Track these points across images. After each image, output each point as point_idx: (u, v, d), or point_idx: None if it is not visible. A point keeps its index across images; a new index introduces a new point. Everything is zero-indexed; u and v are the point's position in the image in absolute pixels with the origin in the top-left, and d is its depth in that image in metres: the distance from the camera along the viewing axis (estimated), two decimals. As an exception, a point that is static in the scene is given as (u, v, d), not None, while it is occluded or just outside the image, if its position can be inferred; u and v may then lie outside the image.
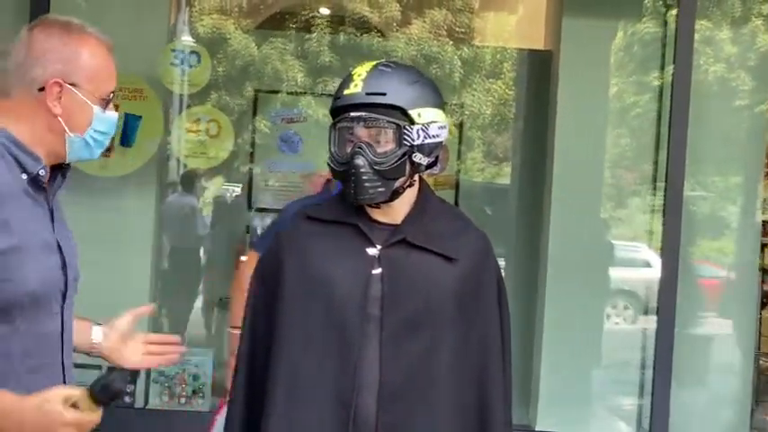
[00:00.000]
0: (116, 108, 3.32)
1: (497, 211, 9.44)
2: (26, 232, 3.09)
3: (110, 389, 2.88)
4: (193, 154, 9.24)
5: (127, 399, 8.57)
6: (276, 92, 9.75)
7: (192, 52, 8.96)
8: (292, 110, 9.56)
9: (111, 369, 3.02)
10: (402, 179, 3.38)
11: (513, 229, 9.68)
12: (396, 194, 3.42)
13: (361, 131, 3.37)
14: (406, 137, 3.29)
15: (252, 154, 9.59)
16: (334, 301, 3.46)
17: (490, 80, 10.09)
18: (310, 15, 10.01)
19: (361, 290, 3.44)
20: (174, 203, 9.59)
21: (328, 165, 3.48)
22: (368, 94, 3.35)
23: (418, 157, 3.36)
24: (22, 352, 3.10)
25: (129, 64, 7.87)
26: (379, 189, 3.36)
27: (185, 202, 9.60)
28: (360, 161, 3.35)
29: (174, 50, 8.91)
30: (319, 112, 9.34)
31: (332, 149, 3.46)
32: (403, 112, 3.32)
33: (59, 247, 3.20)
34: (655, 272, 8.42)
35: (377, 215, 3.51)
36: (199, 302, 9.55)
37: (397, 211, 3.48)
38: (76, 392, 2.96)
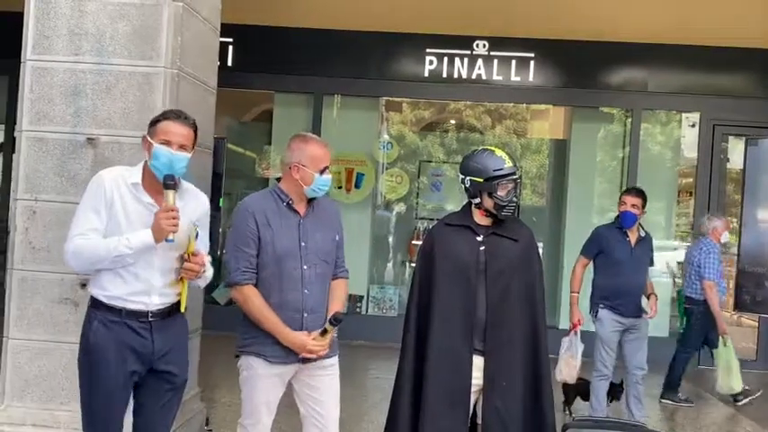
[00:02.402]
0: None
1: (537, 218, 9.93)
2: (278, 229, 3.34)
3: (337, 317, 3.29)
4: (389, 192, 10.00)
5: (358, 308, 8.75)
6: (429, 161, 10.29)
7: (389, 142, 9.86)
8: (438, 170, 10.13)
9: (335, 313, 3.33)
10: None
11: (546, 226, 9.94)
12: None
13: (512, 185, 3.57)
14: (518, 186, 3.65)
15: (417, 192, 10.21)
16: (462, 263, 3.60)
17: (534, 154, 10.46)
18: (446, 123, 10.60)
19: (475, 257, 3.59)
20: (380, 216, 10.10)
21: (495, 201, 3.51)
22: (514, 166, 3.62)
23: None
24: (277, 281, 3.33)
25: (360, 149, 9.37)
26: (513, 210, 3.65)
27: (385, 215, 10.16)
28: (518, 198, 3.65)
29: (379, 142, 9.78)
30: (451, 173, 9.73)
31: (497, 194, 3.52)
32: None
33: (299, 238, 3.36)
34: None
35: (481, 221, 3.64)
36: (390, 264, 9.94)
37: (492, 219, 3.64)
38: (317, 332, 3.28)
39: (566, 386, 6.01)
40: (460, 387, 3.51)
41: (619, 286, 5.54)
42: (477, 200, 3.59)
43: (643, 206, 5.61)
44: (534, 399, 3.58)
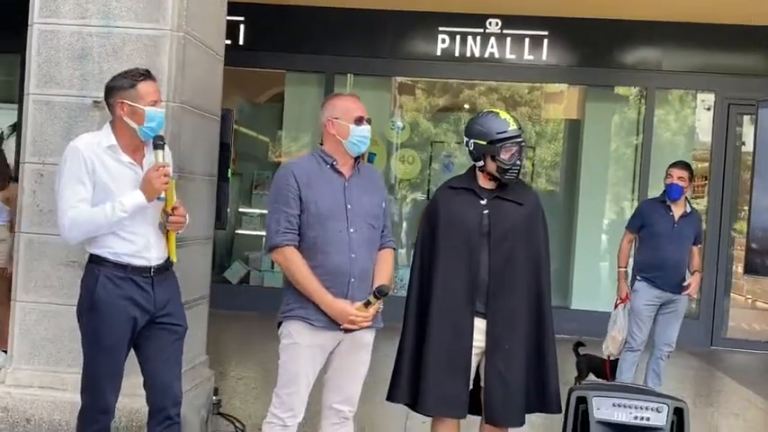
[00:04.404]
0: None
1: (550, 197, 9.89)
2: (322, 189, 3.26)
3: (382, 290, 3.20)
4: (402, 172, 10.07)
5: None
6: (441, 142, 10.25)
7: (401, 123, 9.94)
8: (450, 151, 10.14)
9: (380, 285, 3.25)
10: None
11: (559, 204, 9.94)
12: None
13: (517, 148, 3.49)
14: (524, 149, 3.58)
15: (429, 172, 10.16)
16: (465, 227, 3.56)
17: (547, 137, 10.38)
18: (458, 107, 10.36)
19: (478, 220, 3.55)
20: (391, 196, 9.89)
21: (498, 164, 3.46)
22: (519, 129, 3.57)
23: None
24: (322, 243, 3.24)
25: (373, 130, 8.96)
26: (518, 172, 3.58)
27: (396, 196, 10.03)
28: (522, 161, 3.56)
29: (392, 123, 9.89)
30: (463, 154, 9.07)
31: (500, 157, 3.46)
32: None
33: (345, 201, 3.28)
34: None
35: (485, 184, 3.59)
36: (400, 244, 9.71)
37: (496, 183, 3.59)
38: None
39: (579, 362, 5.98)
40: (462, 349, 3.50)
41: (657, 260, 5.51)
42: (481, 163, 3.54)
43: (690, 179, 5.58)
44: (537, 365, 3.55)
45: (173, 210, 3.17)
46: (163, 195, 3.10)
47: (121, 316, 3.11)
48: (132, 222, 3.12)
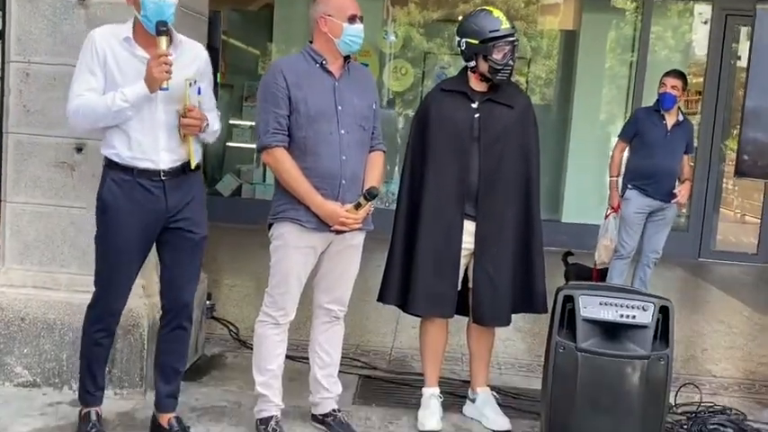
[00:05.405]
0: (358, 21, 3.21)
1: (545, 113, 9.77)
2: (311, 89, 3.20)
3: (372, 192, 3.19)
4: (394, 82, 9.99)
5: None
6: (434, 54, 10.01)
7: (393, 32, 9.85)
8: (441, 62, 9.96)
9: (371, 187, 3.23)
10: None
11: (553, 114, 9.87)
12: None
13: (510, 48, 3.46)
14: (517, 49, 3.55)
15: (422, 81, 9.97)
16: (455, 129, 3.55)
17: (543, 51, 10.20)
18: (452, 15, 9.96)
19: (469, 123, 3.53)
20: (383, 108, 9.63)
21: (490, 64, 3.43)
22: (512, 27, 3.51)
23: None
24: (312, 145, 3.19)
25: (364, 39, 8.83)
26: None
27: (388, 107, 9.86)
28: (514, 61, 3.50)
29: (385, 32, 9.82)
30: (456, 64, 9.00)
31: (493, 57, 3.42)
32: None
33: (335, 102, 3.22)
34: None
35: (477, 86, 3.56)
36: (392, 157, 9.43)
37: (488, 84, 3.57)
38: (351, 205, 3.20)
39: (567, 271, 6.01)
40: (451, 250, 3.53)
41: (649, 168, 5.55)
42: (473, 63, 3.48)
43: (683, 89, 5.59)
44: (525, 267, 3.59)
45: (186, 111, 3.05)
46: (166, 85, 2.98)
47: (128, 220, 3.08)
48: (139, 121, 3.05)
